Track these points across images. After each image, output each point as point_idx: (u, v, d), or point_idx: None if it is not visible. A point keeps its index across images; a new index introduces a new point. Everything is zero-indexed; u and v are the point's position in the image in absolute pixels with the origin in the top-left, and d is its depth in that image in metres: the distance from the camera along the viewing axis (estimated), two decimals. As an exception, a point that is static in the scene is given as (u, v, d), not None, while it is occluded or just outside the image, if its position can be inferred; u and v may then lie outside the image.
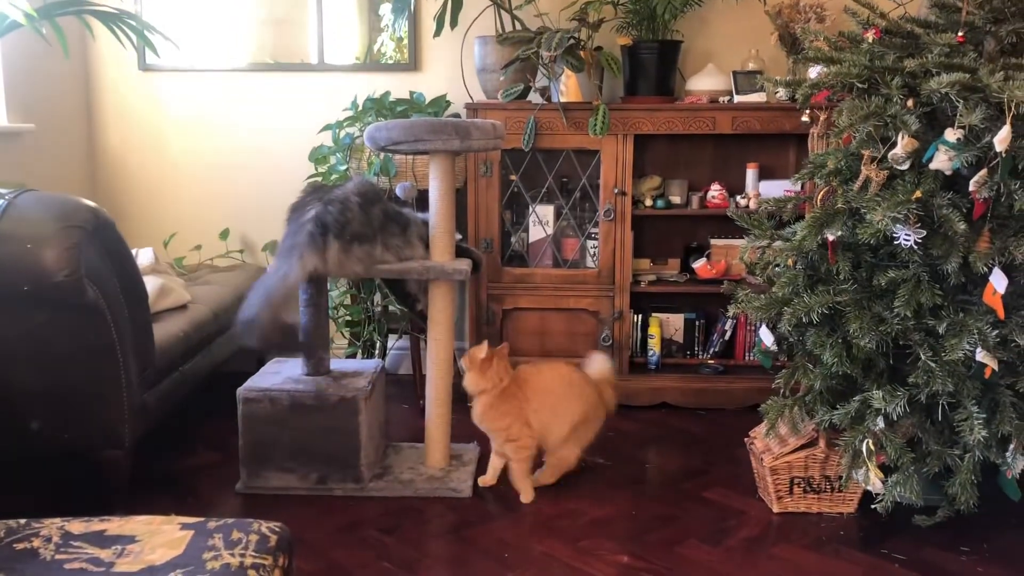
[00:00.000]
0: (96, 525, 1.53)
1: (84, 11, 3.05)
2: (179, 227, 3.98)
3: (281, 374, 2.86)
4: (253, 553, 1.44)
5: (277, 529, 1.53)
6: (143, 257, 3.27)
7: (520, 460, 2.74)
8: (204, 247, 3.96)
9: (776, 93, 3.40)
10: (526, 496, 2.73)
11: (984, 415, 2.23)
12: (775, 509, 2.64)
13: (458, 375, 2.81)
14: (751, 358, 3.68)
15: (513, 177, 3.54)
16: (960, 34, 2.35)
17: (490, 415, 2.74)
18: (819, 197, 2.51)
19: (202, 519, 1.55)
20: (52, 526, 1.52)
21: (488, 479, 2.83)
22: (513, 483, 2.77)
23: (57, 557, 1.43)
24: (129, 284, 2.59)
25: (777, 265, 2.64)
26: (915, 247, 2.27)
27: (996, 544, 2.46)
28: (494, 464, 2.83)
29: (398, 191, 2.87)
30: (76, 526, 1.53)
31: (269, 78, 3.92)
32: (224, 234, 3.93)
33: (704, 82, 3.56)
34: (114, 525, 1.52)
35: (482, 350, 2.74)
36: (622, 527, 2.57)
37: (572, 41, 3.25)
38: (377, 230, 2.68)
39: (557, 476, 2.82)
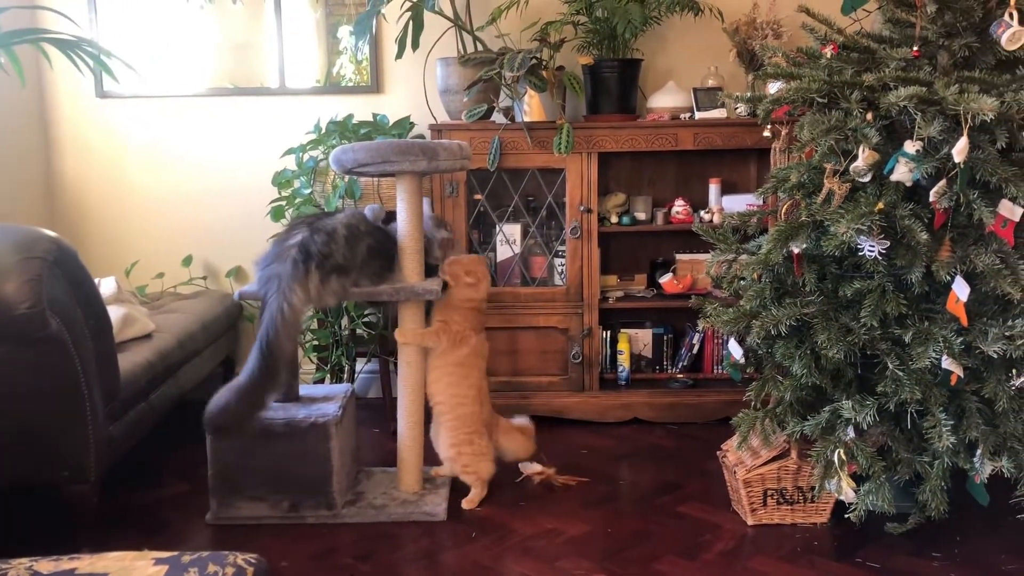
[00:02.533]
0: (66, 564, 1.48)
1: (41, 39, 3.01)
2: (141, 255, 3.92)
3: (250, 401, 2.82)
4: (230, 586, 1.41)
5: (253, 561, 1.50)
6: (105, 287, 3.22)
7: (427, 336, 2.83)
8: (167, 274, 3.90)
9: (736, 109, 3.47)
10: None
11: (952, 422, 2.27)
12: (749, 521, 2.66)
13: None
14: (719, 371, 3.71)
15: (478, 196, 3.54)
16: (915, 49, 2.40)
17: (457, 310, 2.83)
18: (783, 210, 2.55)
19: (176, 553, 1.51)
20: (20, 566, 1.48)
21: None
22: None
23: (27, 598, 1.39)
24: (92, 315, 2.55)
25: (743, 279, 2.66)
26: (879, 258, 2.31)
27: (967, 549, 2.49)
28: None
29: (368, 212, 2.85)
30: (45, 565, 1.48)
31: (229, 103, 3.89)
32: (187, 261, 3.88)
33: (665, 99, 3.60)
34: (85, 563, 1.48)
35: (468, 262, 2.87)
36: (599, 545, 2.57)
37: (534, 61, 3.27)
38: (359, 265, 2.66)
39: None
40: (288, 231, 2.67)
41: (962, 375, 2.24)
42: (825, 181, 2.35)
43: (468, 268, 2.86)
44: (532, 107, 3.51)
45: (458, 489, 2.88)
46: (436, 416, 2.85)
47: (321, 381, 3.67)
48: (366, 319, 3.60)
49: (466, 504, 2.79)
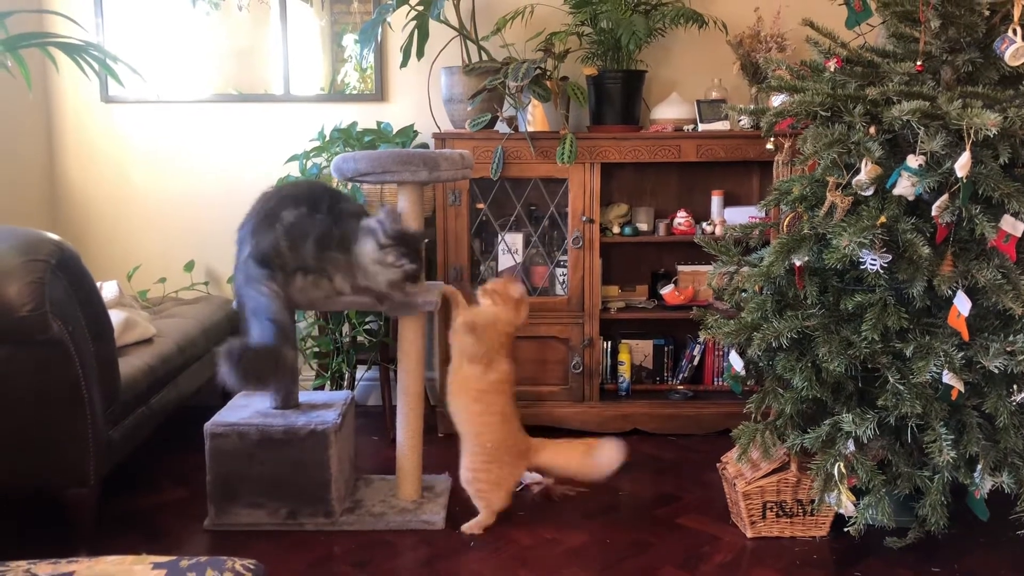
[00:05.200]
0: (64, 567, 1.48)
1: (48, 43, 3.02)
2: (143, 260, 3.93)
3: (249, 408, 2.82)
4: (228, 592, 1.41)
5: (252, 566, 1.50)
6: (107, 290, 3.22)
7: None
8: (169, 280, 3.91)
9: (739, 121, 3.47)
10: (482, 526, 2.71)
11: (952, 436, 2.26)
12: (748, 534, 2.65)
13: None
14: (720, 383, 3.71)
15: (480, 206, 3.55)
16: (919, 63, 2.41)
17: (487, 330, 2.74)
18: (785, 223, 2.55)
19: (174, 558, 1.51)
20: (18, 568, 1.48)
21: None
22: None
23: (24, 601, 1.38)
24: (94, 318, 2.55)
25: (745, 291, 2.66)
26: (881, 271, 2.31)
27: (966, 564, 2.48)
28: None
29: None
30: (43, 568, 1.48)
31: (234, 109, 3.90)
32: (189, 266, 3.89)
33: (668, 111, 3.61)
34: (83, 566, 1.48)
35: (514, 285, 2.79)
36: (597, 555, 2.56)
37: (538, 71, 3.28)
38: (314, 264, 2.59)
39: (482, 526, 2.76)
40: (243, 233, 2.68)
41: (963, 390, 2.24)
42: (828, 194, 2.35)
43: (516, 289, 2.81)
44: (536, 117, 3.52)
45: (456, 501, 2.87)
46: (460, 433, 2.79)
47: (321, 388, 3.67)
48: (367, 326, 3.60)
49: (466, 528, 2.70)
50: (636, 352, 3.74)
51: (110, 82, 3.80)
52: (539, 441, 2.81)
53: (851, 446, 2.38)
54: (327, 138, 3.64)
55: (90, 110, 3.90)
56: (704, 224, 3.64)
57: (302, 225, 2.56)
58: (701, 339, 2.74)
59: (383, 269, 2.57)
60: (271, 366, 2.55)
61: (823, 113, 2.40)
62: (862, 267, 2.33)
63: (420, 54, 3.54)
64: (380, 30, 3.55)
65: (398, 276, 2.59)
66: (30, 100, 3.74)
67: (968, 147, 2.14)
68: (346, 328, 3.64)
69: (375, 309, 2.71)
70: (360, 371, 3.86)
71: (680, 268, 3.72)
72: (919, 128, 2.21)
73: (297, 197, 2.62)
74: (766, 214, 3.19)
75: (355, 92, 3.89)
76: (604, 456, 2.76)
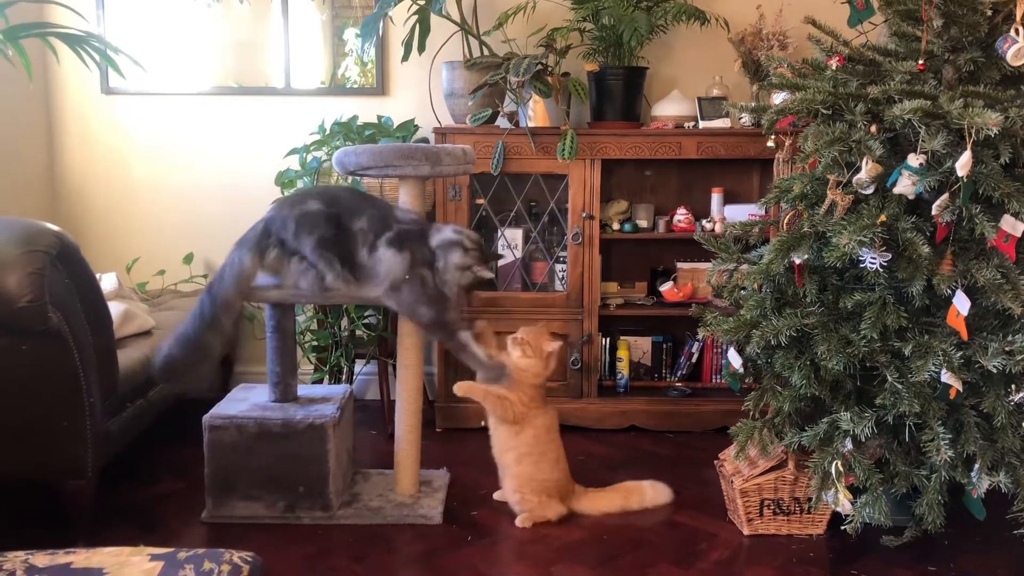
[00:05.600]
0: (62, 558, 1.48)
1: (49, 33, 3.02)
2: (142, 252, 3.92)
3: (248, 401, 2.82)
4: (225, 584, 1.41)
5: (249, 559, 1.50)
6: (106, 282, 3.22)
7: (498, 400, 2.71)
8: (168, 272, 3.90)
9: (740, 119, 3.47)
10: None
11: (950, 435, 2.27)
12: (745, 531, 2.65)
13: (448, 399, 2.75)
14: (718, 380, 3.71)
15: (481, 201, 3.54)
16: (920, 62, 2.41)
17: (530, 388, 2.72)
18: (785, 221, 2.55)
19: (172, 549, 1.51)
20: (16, 559, 1.48)
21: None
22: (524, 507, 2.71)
23: (22, 591, 1.39)
24: (93, 310, 2.55)
25: (744, 288, 2.66)
26: (880, 270, 2.31)
27: (962, 563, 2.49)
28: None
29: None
30: (41, 559, 1.48)
31: (234, 102, 3.89)
32: (188, 259, 3.88)
33: (669, 108, 3.60)
34: (80, 557, 1.48)
35: (547, 337, 2.75)
36: (593, 551, 2.57)
37: (540, 67, 3.27)
38: (311, 256, 2.59)
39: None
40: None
41: (961, 389, 2.24)
42: (828, 192, 2.35)
43: (551, 344, 2.76)
44: (536, 112, 3.51)
45: (454, 495, 2.87)
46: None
47: (320, 382, 3.67)
48: (366, 320, 3.60)
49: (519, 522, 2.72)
50: (635, 349, 3.74)
51: (111, 73, 3.80)
52: (581, 489, 2.83)
53: (849, 444, 2.38)
54: (327, 132, 3.63)
55: (90, 101, 3.90)
56: (704, 221, 3.64)
57: (315, 218, 2.58)
58: (700, 336, 2.74)
59: (462, 274, 2.63)
60: (193, 363, 2.59)
61: (824, 111, 2.40)
62: (862, 266, 2.33)
63: (421, 48, 3.53)
64: (381, 24, 3.54)
65: (472, 281, 2.65)
66: (30, 91, 3.73)
67: (969, 146, 2.14)
68: (345, 322, 3.64)
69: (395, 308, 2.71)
70: (359, 365, 3.86)
71: (679, 265, 3.72)
72: (920, 127, 2.21)
73: (334, 197, 2.65)
74: (766, 212, 3.18)
75: (356, 86, 3.88)
76: (647, 500, 2.85)
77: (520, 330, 2.78)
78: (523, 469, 2.72)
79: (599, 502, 2.81)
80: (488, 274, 2.67)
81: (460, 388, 2.74)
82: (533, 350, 2.73)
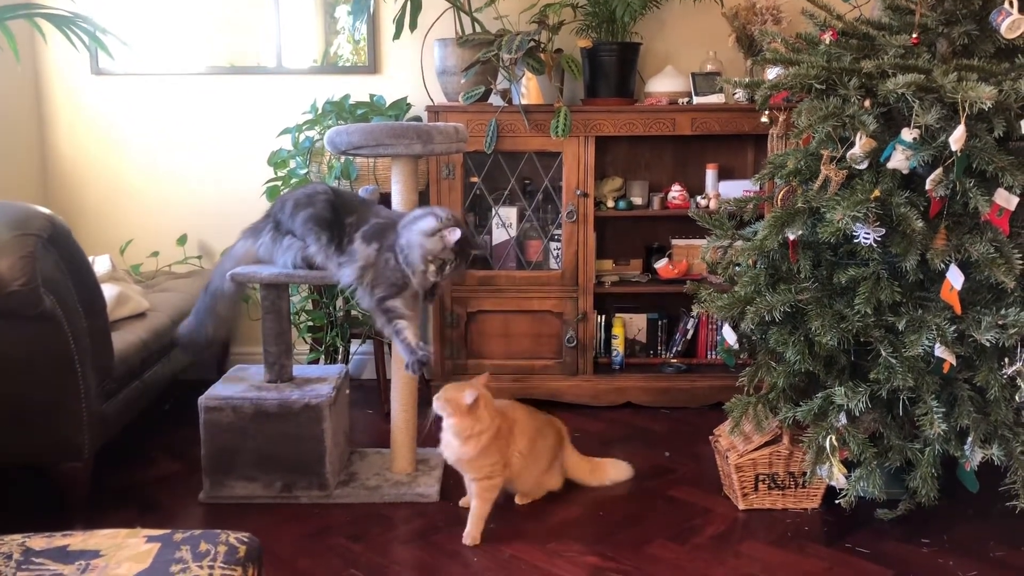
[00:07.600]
0: (58, 540, 1.49)
1: (36, 14, 2.99)
2: (135, 234, 3.91)
3: (244, 382, 2.82)
4: (222, 564, 1.42)
5: (246, 539, 1.51)
6: (100, 265, 3.21)
7: (487, 500, 2.52)
8: (161, 253, 3.89)
9: (735, 94, 3.46)
10: (473, 538, 2.48)
11: (943, 409, 2.27)
12: (740, 506, 2.67)
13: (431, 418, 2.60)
14: (713, 357, 3.72)
15: (475, 179, 3.53)
16: (914, 36, 2.40)
17: (480, 459, 2.51)
18: (779, 197, 2.54)
19: (168, 531, 1.52)
20: (12, 542, 1.49)
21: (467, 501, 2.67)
22: (469, 521, 2.52)
23: (19, 574, 1.39)
24: (86, 293, 2.54)
25: (738, 264, 2.66)
26: (874, 245, 2.31)
27: (956, 535, 2.51)
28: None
29: (362, 193, 2.84)
30: (37, 542, 1.49)
31: (226, 81, 3.87)
32: (182, 240, 3.87)
33: (663, 84, 3.59)
34: (77, 540, 1.49)
35: (464, 393, 2.47)
36: (590, 528, 2.58)
37: (532, 43, 3.25)
38: (299, 232, 2.65)
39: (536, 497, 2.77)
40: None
41: (954, 363, 2.25)
42: (822, 168, 2.35)
43: (466, 396, 2.48)
44: (530, 90, 3.49)
45: (450, 474, 2.88)
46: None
47: (315, 362, 3.67)
48: (361, 300, 3.60)
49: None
50: (630, 326, 3.75)
51: (100, 54, 3.76)
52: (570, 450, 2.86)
53: (843, 419, 2.39)
54: (320, 111, 3.61)
55: (80, 83, 3.87)
56: (698, 198, 3.63)
57: (312, 199, 2.64)
58: (695, 313, 2.73)
59: (430, 240, 2.45)
60: (203, 342, 2.80)
61: (818, 86, 2.38)
62: (855, 241, 2.33)
63: (413, 26, 3.50)
64: (373, 1, 3.51)
65: (441, 247, 2.45)
66: (18, 72, 3.70)
67: (963, 120, 2.13)
68: (340, 302, 3.64)
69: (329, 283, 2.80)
70: (354, 345, 3.86)
71: (674, 242, 3.71)
72: (914, 101, 2.20)
73: (340, 193, 2.73)
74: (760, 188, 3.19)
75: (348, 64, 3.86)
76: (608, 476, 2.88)
77: (443, 388, 2.55)
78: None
79: (569, 465, 2.84)
80: (455, 235, 2.44)
81: (471, 539, 2.50)
82: (453, 409, 2.49)
